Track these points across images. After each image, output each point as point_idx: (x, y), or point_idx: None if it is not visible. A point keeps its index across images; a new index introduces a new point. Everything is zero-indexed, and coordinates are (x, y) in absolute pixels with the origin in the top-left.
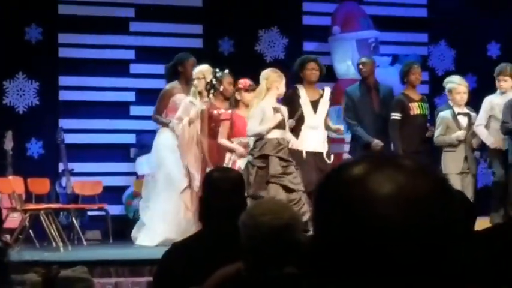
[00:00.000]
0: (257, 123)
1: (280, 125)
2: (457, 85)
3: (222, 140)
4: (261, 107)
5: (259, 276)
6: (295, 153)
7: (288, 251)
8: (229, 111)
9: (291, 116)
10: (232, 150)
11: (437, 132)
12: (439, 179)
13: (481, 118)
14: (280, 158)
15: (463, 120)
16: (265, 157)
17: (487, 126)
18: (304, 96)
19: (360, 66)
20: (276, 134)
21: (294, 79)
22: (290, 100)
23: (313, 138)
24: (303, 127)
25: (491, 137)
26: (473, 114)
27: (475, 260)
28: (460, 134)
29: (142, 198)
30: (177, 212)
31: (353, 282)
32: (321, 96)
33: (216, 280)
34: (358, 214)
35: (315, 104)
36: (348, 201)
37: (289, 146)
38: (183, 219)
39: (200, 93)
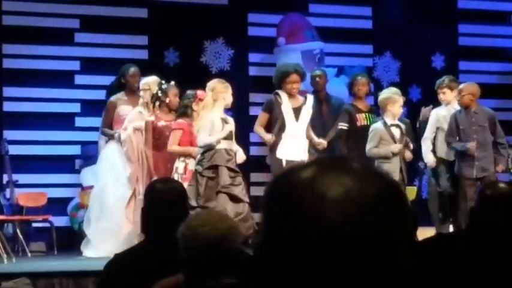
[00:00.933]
0: (207, 135)
1: (228, 136)
2: (399, 97)
3: (173, 147)
4: (210, 118)
5: (198, 287)
6: (276, 161)
7: (226, 261)
8: (180, 120)
9: (271, 125)
10: (186, 155)
11: (370, 145)
12: (388, 182)
13: (428, 131)
14: (229, 169)
15: (396, 132)
16: (214, 167)
17: (435, 138)
18: (286, 102)
19: (317, 79)
20: (224, 144)
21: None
22: (271, 107)
23: (294, 146)
24: (283, 135)
25: (430, 156)
26: (402, 125)
27: (415, 270)
28: (396, 147)
29: (87, 209)
30: (117, 229)
31: None
32: (304, 103)
33: None
34: (305, 218)
35: (297, 111)
36: (296, 204)
37: (237, 159)
38: (122, 234)
39: (147, 104)
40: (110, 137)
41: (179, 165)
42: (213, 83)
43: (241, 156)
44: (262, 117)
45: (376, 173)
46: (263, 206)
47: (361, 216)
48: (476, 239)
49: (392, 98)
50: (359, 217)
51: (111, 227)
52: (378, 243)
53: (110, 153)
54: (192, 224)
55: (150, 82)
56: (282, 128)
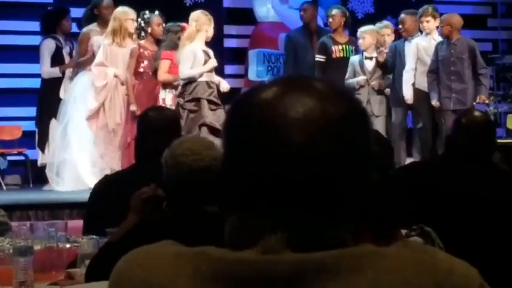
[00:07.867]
0: (188, 66)
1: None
2: (362, 32)
3: (164, 76)
4: (192, 49)
5: (181, 214)
6: None
7: (210, 191)
8: (169, 51)
9: None
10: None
11: (346, 75)
12: (351, 101)
13: (409, 62)
14: (210, 101)
15: (369, 65)
16: (196, 100)
17: (415, 69)
18: None
19: (301, 13)
20: (205, 77)
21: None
22: None
23: None
24: None
25: (410, 90)
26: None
27: (390, 198)
28: (361, 79)
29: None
30: (76, 162)
31: (256, 213)
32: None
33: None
34: (266, 139)
35: None
36: (257, 126)
37: (221, 88)
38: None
39: (115, 33)
40: (85, 63)
41: (167, 96)
42: (196, 14)
43: (225, 86)
44: None
45: (339, 92)
46: (224, 127)
47: (323, 137)
48: (450, 165)
49: (359, 33)
50: (321, 137)
51: (71, 160)
52: (341, 164)
53: (78, 86)
54: (175, 153)
55: (117, 12)
56: None
